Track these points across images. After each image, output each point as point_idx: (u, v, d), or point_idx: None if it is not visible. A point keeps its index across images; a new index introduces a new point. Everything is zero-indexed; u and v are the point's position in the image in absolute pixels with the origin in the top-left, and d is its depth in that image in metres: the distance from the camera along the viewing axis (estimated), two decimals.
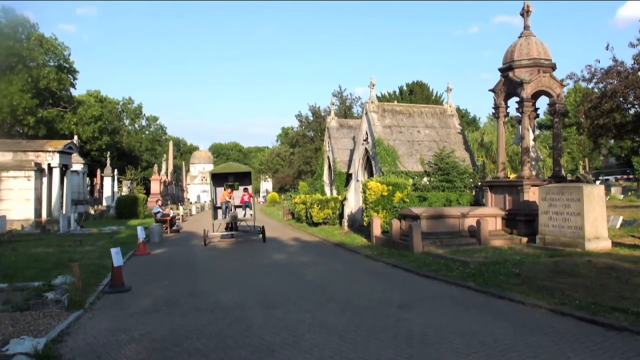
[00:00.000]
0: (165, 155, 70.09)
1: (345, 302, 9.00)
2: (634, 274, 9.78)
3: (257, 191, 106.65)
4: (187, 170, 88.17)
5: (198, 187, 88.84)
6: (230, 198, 21.03)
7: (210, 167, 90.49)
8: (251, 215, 21.18)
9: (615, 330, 6.90)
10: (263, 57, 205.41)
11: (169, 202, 49.64)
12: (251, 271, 13.19)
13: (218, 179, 22.00)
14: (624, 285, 9.02)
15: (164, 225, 23.85)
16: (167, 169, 64.92)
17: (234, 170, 23.33)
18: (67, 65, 52.06)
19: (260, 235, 20.29)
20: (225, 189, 21.46)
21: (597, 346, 6.33)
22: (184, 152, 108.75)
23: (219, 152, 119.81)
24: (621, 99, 17.91)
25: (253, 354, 6.34)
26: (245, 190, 21.73)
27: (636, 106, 18.63)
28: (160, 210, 26.00)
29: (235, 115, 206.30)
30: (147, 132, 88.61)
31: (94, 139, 57.35)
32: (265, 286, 10.96)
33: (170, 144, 78.80)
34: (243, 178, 22.30)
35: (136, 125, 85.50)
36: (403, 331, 7.15)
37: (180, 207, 42.06)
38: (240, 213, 21.34)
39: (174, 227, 25.88)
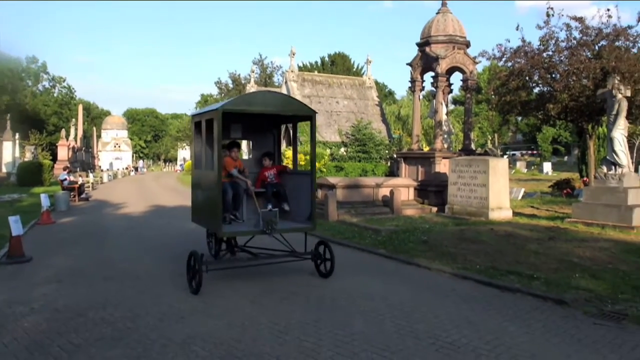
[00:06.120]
0: (74, 120, 65.76)
1: (257, 269, 9.01)
2: (530, 240, 10.57)
3: (173, 159, 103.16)
4: (99, 136, 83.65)
5: (110, 154, 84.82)
6: (242, 172, 9.07)
7: (124, 134, 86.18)
8: (287, 209, 8.95)
9: (510, 291, 7.44)
10: (180, 21, 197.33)
11: (78, 169, 46.90)
12: (166, 240, 12.82)
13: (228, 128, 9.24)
14: (520, 251, 9.73)
15: (71, 193, 22.61)
16: (76, 135, 61.05)
17: (265, 107, 8.25)
18: None
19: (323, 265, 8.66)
20: (228, 153, 9.01)
21: (492, 306, 6.81)
22: (95, 116, 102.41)
23: (134, 118, 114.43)
24: (527, 77, 18.95)
25: (162, 321, 6.22)
26: (267, 158, 9.51)
27: (540, 85, 19.77)
28: (68, 177, 24.55)
29: (151, 80, 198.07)
30: (54, 94, 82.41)
31: None
32: (180, 254, 10.71)
33: (80, 107, 73.91)
34: (264, 130, 9.93)
35: (40, 87, 79.29)
36: (314, 296, 7.30)
37: (91, 175, 39.94)
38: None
39: (83, 195, 24.59)
